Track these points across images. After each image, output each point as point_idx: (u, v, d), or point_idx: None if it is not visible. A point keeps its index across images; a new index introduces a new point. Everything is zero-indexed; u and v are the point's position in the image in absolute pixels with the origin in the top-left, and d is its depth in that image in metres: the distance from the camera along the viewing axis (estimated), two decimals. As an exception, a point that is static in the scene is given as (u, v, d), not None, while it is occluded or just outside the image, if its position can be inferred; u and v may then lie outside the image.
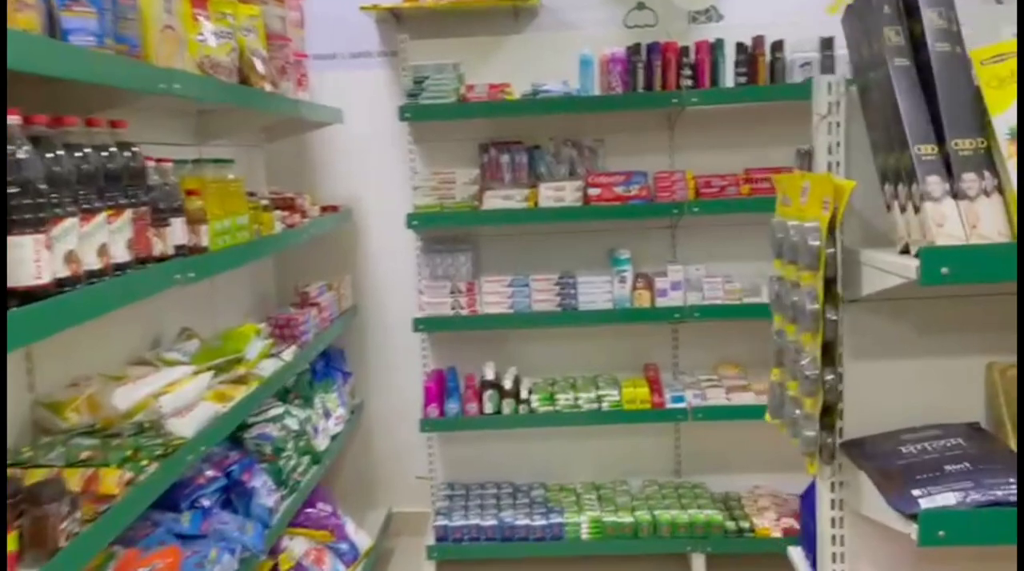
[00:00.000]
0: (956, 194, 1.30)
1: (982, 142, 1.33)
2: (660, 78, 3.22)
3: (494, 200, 3.30)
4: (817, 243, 1.51)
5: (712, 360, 3.72)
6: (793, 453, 3.84)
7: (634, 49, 3.26)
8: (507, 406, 3.44)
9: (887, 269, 1.38)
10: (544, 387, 3.55)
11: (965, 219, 1.29)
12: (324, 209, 3.44)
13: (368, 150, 3.73)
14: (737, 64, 3.22)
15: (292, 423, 2.90)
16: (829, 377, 1.53)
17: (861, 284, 1.53)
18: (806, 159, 1.86)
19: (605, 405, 3.43)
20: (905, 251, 1.40)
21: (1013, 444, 1.52)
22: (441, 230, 3.60)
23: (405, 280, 3.71)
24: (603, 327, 3.53)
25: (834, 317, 1.51)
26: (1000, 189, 1.30)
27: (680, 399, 3.41)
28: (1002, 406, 1.56)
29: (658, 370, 3.62)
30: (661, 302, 3.34)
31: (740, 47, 3.24)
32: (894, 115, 1.39)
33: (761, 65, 3.20)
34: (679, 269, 3.35)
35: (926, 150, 1.34)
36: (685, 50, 3.24)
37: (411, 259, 3.67)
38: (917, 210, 1.33)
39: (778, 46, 3.22)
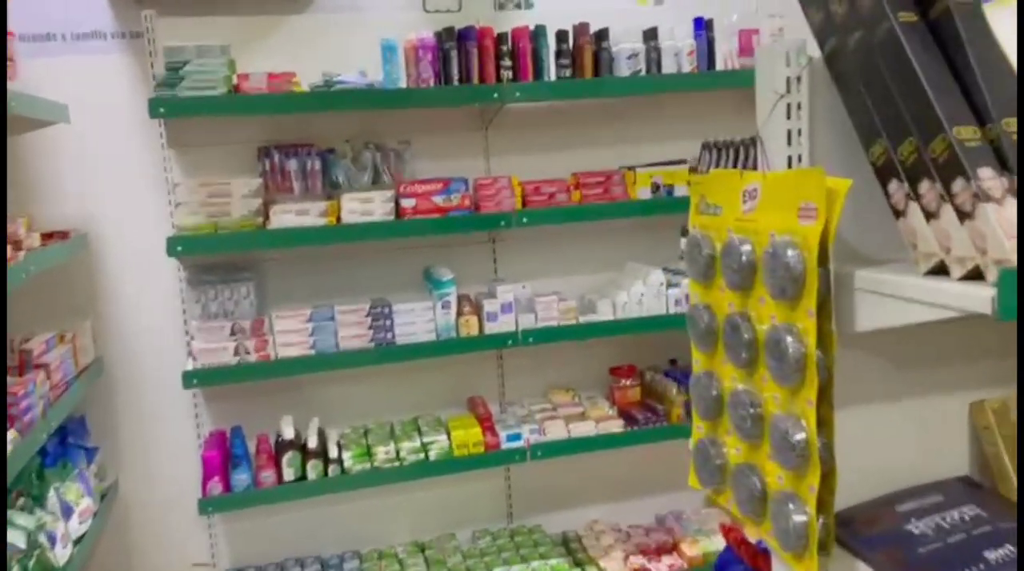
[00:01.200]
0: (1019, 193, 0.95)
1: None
2: (477, 69, 2.76)
3: (285, 217, 2.65)
4: (801, 265, 1.11)
5: (542, 386, 3.33)
6: (629, 481, 3.64)
7: (445, 35, 2.77)
8: (313, 469, 2.79)
9: (927, 300, 1.01)
10: (356, 440, 2.95)
11: (1039, 227, 0.94)
12: (47, 236, 2.59)
13: (106, 157, 2.89)
14: (559, 55, 2.85)
15: (17, 538, 2.07)
16: (822, 442, 1.14)
17: (854, 317, 1.16)
18: (723, 153, 1.47)
19: (433, 454, 2.90)
20: (939, 271, 1.04)
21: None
22: (214, 257, 2.87)
23: (167, 322, 2.93)
24: (420, 360, 3.00)
25: (827, 363, 1.12)
26: (1057, 185, 0.98)
27: (516, 437, 2.97)
28: (1002, 454, 1.26)
29: (486, 403, 3.16)
30: (491, 328, 2.88)
31: (561, 36, 2.87)
32: (907, 89, 1.03)
33: (586, 56, 2.85)
34: (508, 289, 2.91)
35: (967, 134, 0.98)
36: (502, 38, 2.81)
37: (174, 295, 2.90)
38: (965, 216, 0.97)
39: (602, 35, 2.88)
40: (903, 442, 1.31)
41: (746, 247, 1.23)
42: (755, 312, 1.24)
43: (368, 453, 2.86)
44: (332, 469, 2.81)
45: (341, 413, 3.11)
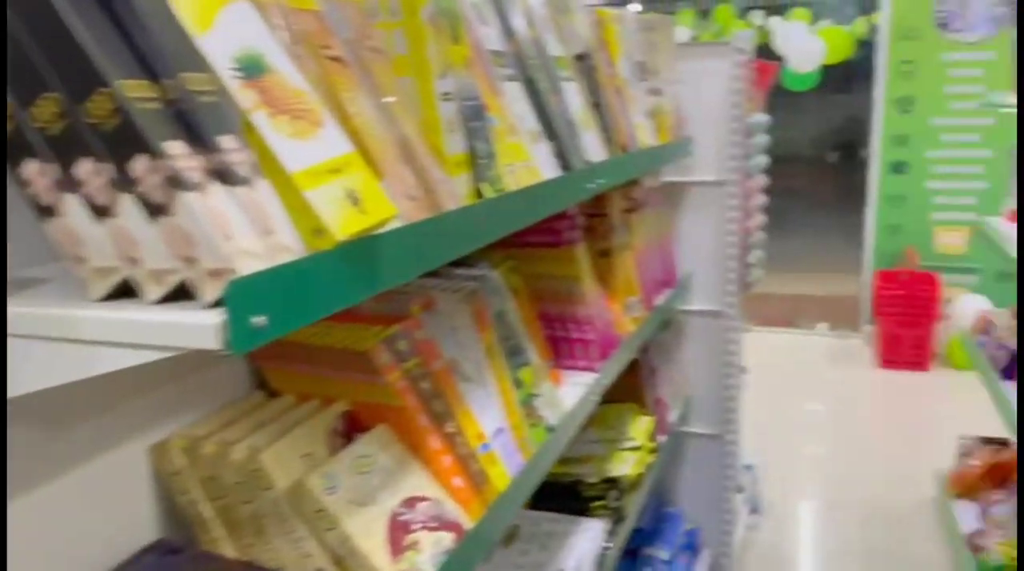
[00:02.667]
0: (221, 175, 0.70)
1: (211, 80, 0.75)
2: None
3: None
4: None
5: None
6: None
7: None
8: None
9: (120, 340, 0.66)
10: None
11: (254, 220, 0.70)
12: None
13: None
14: None
15: None
16: None
17: (-8, 376, 0.72)
18: None
19: None
20: (124, 292, 0.70)
21: (228, 549, 1.02)
22: None
23: None
24: None
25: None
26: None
27: None
28: (199, 501, 1.02)
29: None
30: None
31: None
32: (38, 15, 0.65)
33: None
34: None
35: (141, 91, 0.67)
36: None
37: None
38: (158, 211, 0.66)
39: None
40: (86, 531, 0.95)
41: None
42: None
43: None
44: None
45: None
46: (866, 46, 5.38)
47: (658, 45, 2.28)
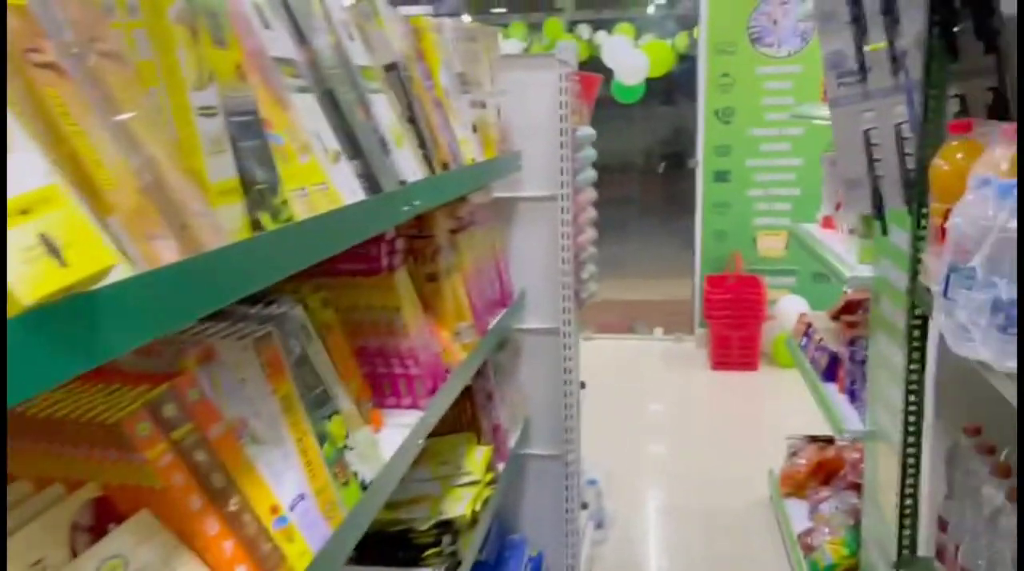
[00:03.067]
0: None
1: None
2: None
3: None
4: None
5: None
6: None
7: None
8: None
9: None
10: None
11: None
12: None
13: None
14: None
15: None
16: None
17: None
18: None
19: None
20: None
21: None
22: None
23: None
24: None
25: None
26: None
27: None
28: None
29: None
30: None
31: None
32: None
33: None
34: None
35: None
36: None
37: None
38: None
39: None
40: None
41: None
42: None
43: None
44: None
45: None
46: (689, 60, 5.58)
47: (480, 56, 2.18)
